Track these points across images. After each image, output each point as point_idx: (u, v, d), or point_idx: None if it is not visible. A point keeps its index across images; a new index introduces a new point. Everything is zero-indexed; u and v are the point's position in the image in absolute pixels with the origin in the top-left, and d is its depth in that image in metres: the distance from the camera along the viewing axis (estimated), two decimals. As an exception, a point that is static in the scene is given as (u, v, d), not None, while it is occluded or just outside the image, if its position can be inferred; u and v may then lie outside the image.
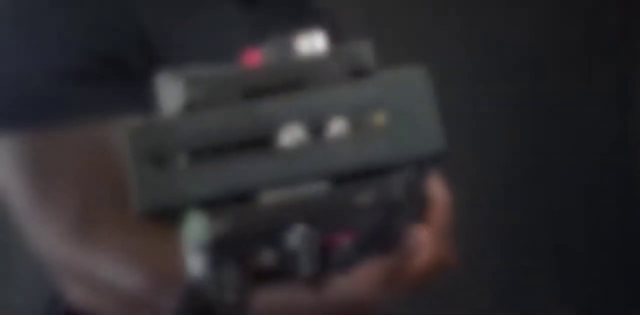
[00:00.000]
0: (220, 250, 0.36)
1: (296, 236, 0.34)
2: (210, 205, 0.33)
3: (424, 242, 0.55)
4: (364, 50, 0.34)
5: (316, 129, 0.33)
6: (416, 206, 0.58)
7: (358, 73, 0.34)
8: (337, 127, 0.34)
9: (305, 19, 0.91)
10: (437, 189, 0.63)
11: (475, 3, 1.71)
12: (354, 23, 1.04)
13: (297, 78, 0.34)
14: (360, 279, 0.59)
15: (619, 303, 1.70)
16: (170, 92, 0.35)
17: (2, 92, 0.75)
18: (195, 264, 0.36)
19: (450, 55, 1.64)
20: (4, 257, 1.41)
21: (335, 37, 0.36)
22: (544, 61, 1.73)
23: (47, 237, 0.74)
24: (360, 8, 1.59)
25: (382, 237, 0.52)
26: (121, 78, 0.75)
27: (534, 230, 1.70)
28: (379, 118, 0.33)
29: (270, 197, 0.33)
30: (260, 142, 0.34)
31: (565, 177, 1.73)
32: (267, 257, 0.49)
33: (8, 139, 0.74)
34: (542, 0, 1.74)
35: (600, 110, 1.73)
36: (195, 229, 0.34)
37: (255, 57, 0.36)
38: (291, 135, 0.33)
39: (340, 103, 0.34)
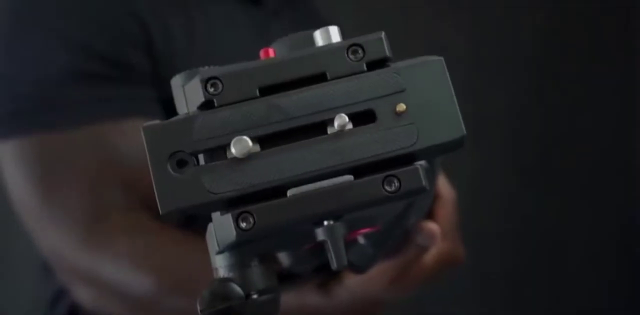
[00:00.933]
0: (247, 249, 0.35)
1: (323, 231, 0.33)
2: (235, 203, 0.33)
3: (436, 237, 0.55)
4: (379, 40, 0.34)
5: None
6: (427, 201, 0.58)
7: (376, 63, 0.34)
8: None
9: (307, 21, 0.91)
10: (442, 184, 0.63)
11: (476, 2, 1.71)
12: (353, 22, 1.04)
13: (315, 71, 0.34)
14: (371, 278, 0.59)
15: (619, 303, 1.70)
16: (187, 93, 0.35)
17: (6, 93, 0.75)
18: (221, 263, 0.36)
19: (451, 54, 1.64)
20: (4, 257, 1.41)
21: None
22: (544, 61, 1.73)
23: (53, 238, 0.74)
24: (361, 5, 1.60)
25: (396, 233, 0.51)
26: (125, 78, 0.75)
27: (533, 230, 1.71)
28: (401, 107, 0.33)
29: (295, 193, 0.33)
30: (281, 137, 0.34)
31: (565, 176, 1.73)
32: (283, 258, 0.49)
33: (14, 140, 0.74)
34: (543, 0, 1.75)
35: (600, 110, 1.73)
36: (221, 229, 0.33)
37: (269, 54, 0.36)
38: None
39: (361, 93, 0.33)
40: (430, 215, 0.60)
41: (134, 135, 0.48)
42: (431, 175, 0.53)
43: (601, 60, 1.73)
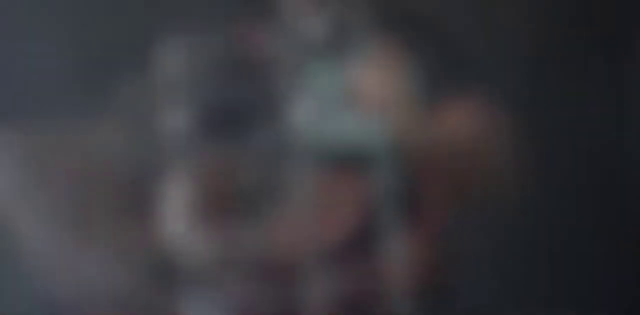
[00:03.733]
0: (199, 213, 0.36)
1: None
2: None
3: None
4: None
5: (305, 102, 0.34)
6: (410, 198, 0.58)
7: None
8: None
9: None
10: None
11: (476, 2, 1.71)
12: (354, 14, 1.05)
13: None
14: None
15: (619, 303, 1.70)
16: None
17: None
18: (174, 228, 0.36)
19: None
20: (5, 257, 1.41)
21: None
22: (543, 61, 1.73)
23: (46, 238, 0.74)
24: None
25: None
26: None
27: (533, 231, 1.70)
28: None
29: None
30: (250, 115, 0.34)
31: (564, 176, 1.73)
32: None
33: (2, 139, 0.74)
34: (542, 0, 1.74)
35: (599, 110, 1.73)
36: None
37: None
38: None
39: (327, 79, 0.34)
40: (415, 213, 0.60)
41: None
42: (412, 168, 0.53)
43: (601, 60, 1.73)
